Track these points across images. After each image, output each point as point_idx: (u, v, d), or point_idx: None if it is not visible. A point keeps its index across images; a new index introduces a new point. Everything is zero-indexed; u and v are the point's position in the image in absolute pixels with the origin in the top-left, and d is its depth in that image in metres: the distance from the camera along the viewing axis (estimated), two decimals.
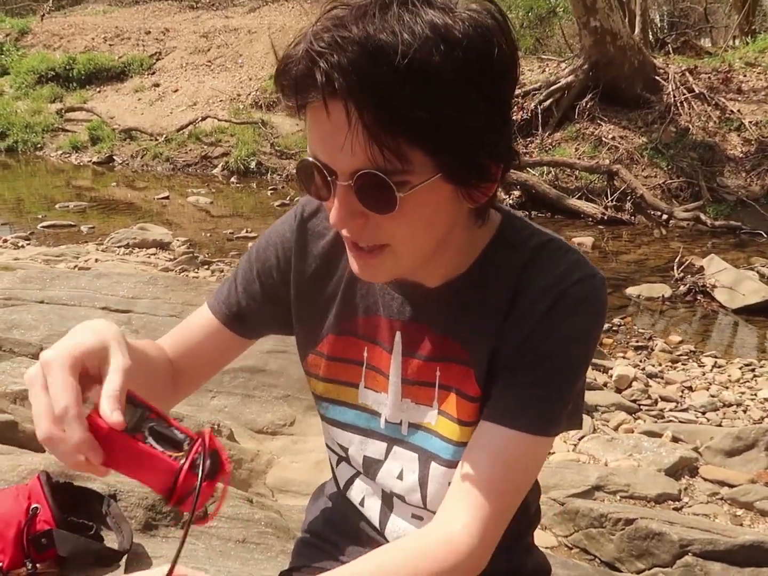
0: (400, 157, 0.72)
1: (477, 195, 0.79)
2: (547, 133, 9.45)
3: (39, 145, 12.76)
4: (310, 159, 0.77)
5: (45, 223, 7.77)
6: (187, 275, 5.46)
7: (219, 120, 11.81)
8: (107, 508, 1.44)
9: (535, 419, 0.86)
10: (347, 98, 0.70)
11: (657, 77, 9.74)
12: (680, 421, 3.50)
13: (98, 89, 14.20)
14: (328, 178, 0.76)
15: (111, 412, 0.66)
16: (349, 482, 1.07)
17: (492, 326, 0.89)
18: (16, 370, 2.33)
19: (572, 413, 0.91)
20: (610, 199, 8.17)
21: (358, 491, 1.06)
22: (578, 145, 9.26)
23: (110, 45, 15.36)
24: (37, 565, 1.27)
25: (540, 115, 9.47)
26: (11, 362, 2.38)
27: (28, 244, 6.78)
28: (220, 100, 12.67)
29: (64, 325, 3.14)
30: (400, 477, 0.98)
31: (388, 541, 1.02)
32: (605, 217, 7.88)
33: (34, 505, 1.30)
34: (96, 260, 5.76)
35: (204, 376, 1.08)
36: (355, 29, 0.70)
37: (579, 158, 8.91)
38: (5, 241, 6.79)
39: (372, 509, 1.04)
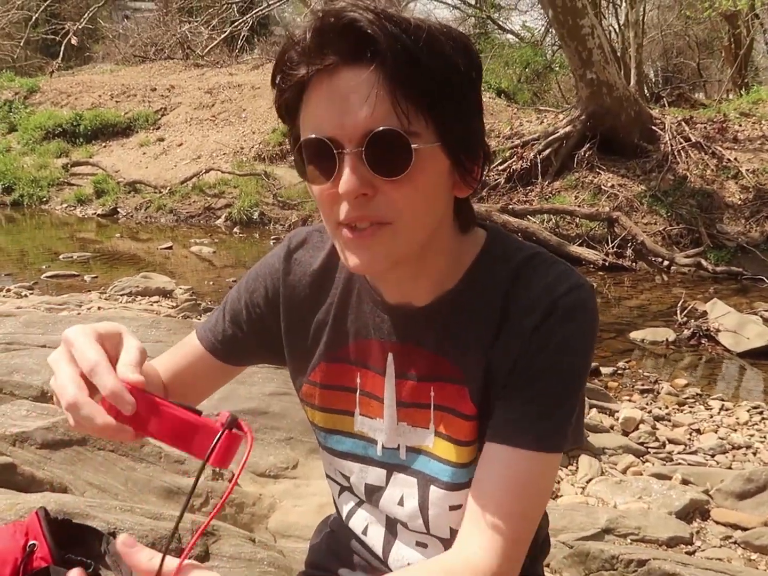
0: (414, 119, 0.75)
1: (466, 180, 0.83)
2: (546, 182, 9.56)
3: (44, 199, 12.91)
4: (315, 136, 0.77)
5: (48, 274, 7.80)
6: (190, 320, 5.45)
7: (222, 172, 11.98)
8: (106, 545, 1.39)
9: (539, 436, 0.84)
10: (365, 59, 0.74)
11: (653, 127, 9.90)
12: (689, 464, 3.44)
13: (104, 144, 14.45)
14: (335, 151, 0.76)
15: (131, 374, 0.69)
16: (352, 512, 1.05)
17: (483, 342, 0.88)
18: (16, 412, 2.31)
19: (573, 429, 0.89)
20: (610, 245, 8.21)
21: (361, 520, 1.04)
22: (578, 193, 9.35)
23: (116, 101, 15.69)
24: None
25: (539, 165, 9.59)
26: (12, 405, 2.36)
27: (32, 294, 6.79)
28: (224, 153, 12.86)
29: None
30: (401, 503, 0.96)
31: (391, 570, 0.99)
32: (606, 264, 7.90)
33: (31, 542, 1.26)
34: (99, 308, 5.75)
35: (192, 402, 1.07)
36: (368, 5, 0.75)
37: (579, 206, 8.99)
38: (8, 290, 6.80)
39: (375, 538, 1.02)
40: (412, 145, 0.75)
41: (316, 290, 0.98)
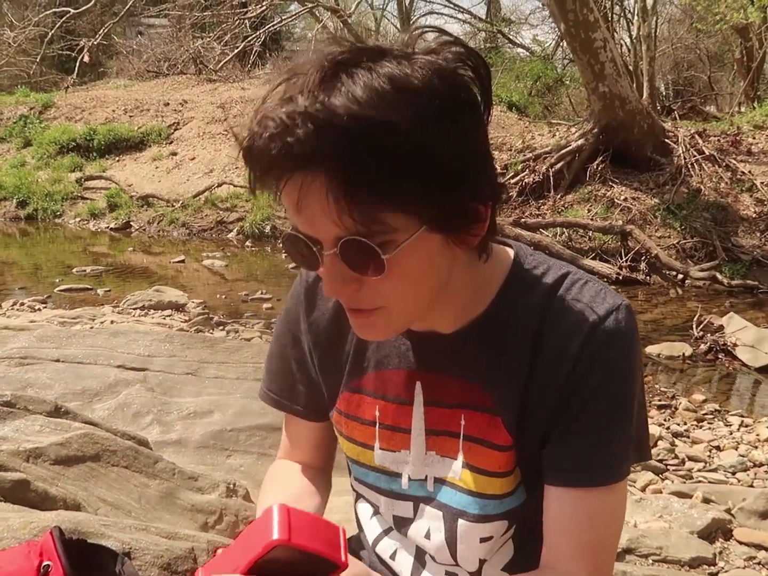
0: (376, 221, 0.69)
1: (469, 239, 0.76)
2: (559, 195, 9.53)
3: (58, 213, 12.98)
4: (293, 232, 0.74)
5: (62, 287, 7.83)
6: (204, 335, 5.44)
7: (234, 186, 12.01)
8: (121, 566, 1.37)
9: (600, 472, 0.82)
10: (308, 172, 0.68)
11: (666, 140, 9.86)
12: (710, 482, 3.38)
13: (117, 158, 14.53)
14: (314, 248, 0.73)
15: None
16: (380, 537, 1.02)
17: (517, 369, 0.85)
18: (30, 428, 2.29)
19: (636, 446, 0.86)
20: (624, 259, 8.15)
21: (389, 545, 1.01)
22: (590, 206, 9.31)
23: (130, 116, 15.80)
24: None
25: (551, 178, 9.56)
26: (25, 420, 2.34)
27: (45, 308, 6.80)
28: (236, 167, 12.89)
29: (78, 384, 3.11)
30: (427, 536, 0.93)
31: None
32: (620, 278, 7.84)
33: (45, 563, 1.24)
34: (112, 322, 5.76)
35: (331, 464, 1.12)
36: (301, 100, 0.67)
37: (592, 219, 8.94)
38: (22, 304, 6.83)
39: (403, 564, 0.99)
40: (384, 256, 0.70)
41: (337, 320, 0.96)
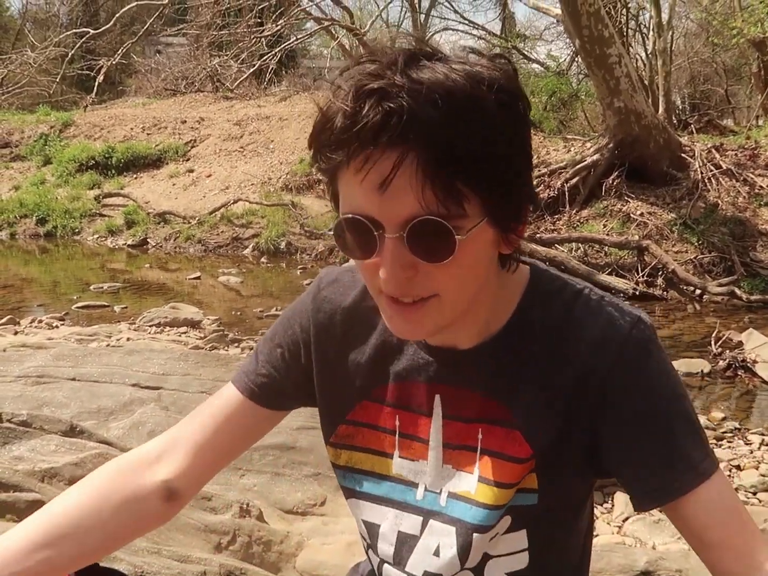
0: (457, 202, 0.70)
1: (513, 238, 0.79)
2: (574, 210, 9.49)
3: (77, 230, 13.12)
4: (354, 215, 0.73)
5: (79, 304, 7.89)
6: (218, 353, 5.46)
7: (250, 203, 12.09)
8: None
9: (685, 474, 0.82)
10: (401, 143, 0.68)
11: (683, 155, 9.80)
12: None
13: (135, 175, 14.69)
14: (375, 233, 0.73)
15: None
16: (380, 567, 1.01)
17: (539, 385, 0.85)
18: (45, 447, 2.30)
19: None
20: (640, 274, 8.10)
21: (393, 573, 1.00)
22: (606, 221, 9.26)
23: (148, 134, 15.98)
24: None
25: (567, 193, 9.53)
26: (41, 440, 2.36)
27: (62, 325, 6.86)
28: (252, 184, 12.99)
29: (94, 402, 3.12)
30: (436, 553, 0.91)
31: None
32: (637, 293, 7.78)
33: None
34: (128, 339, 5.79)
35: (233, 455, 1.04)
36: (394, 75, 0.69)
37: (608, 234, 8.90)
38: (40, 321, 6.88)
39: None
40: (456, 237, 0.72)
41: (348, 328, 0.96)
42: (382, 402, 0.95)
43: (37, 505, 1.98)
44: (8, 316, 6.95)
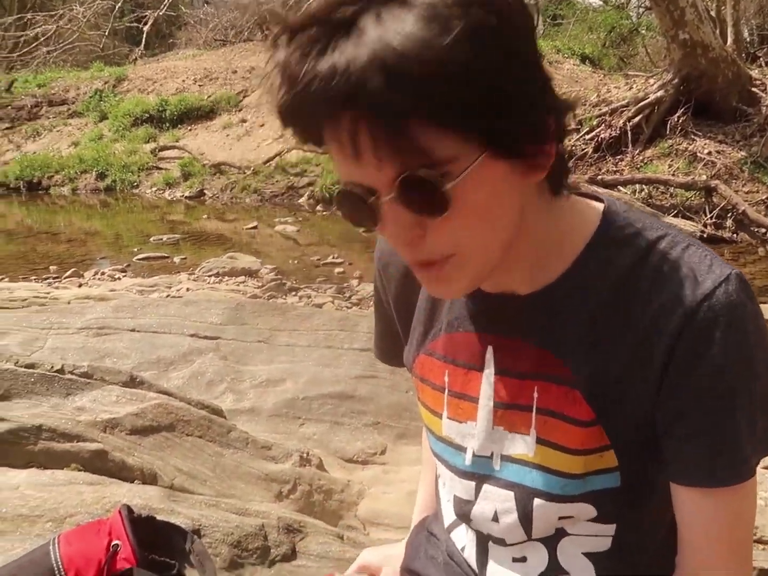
0: (432, 148, 0.62)
1: (538, 163, 0.68)
2: (637, 151, 9.12)
3: (135, 183, 13.32)
4: (345, 187, 0.68)
5: (140, 256, 8.04)
6: (275, 301, 5.48)
7: (304, 150, 12.01)
8: (190, 544, 1.35)
9: (721, 471, 0.73)
10: (356, 109, 0.61)
11: (753, 89, 9.27)
12: None
13: (189, 128, 14.76)
14: (370, 201, 0.67)
15: None
16: (454, 524, 0.96)
17: (602, 342, 0.76)
18: (107, 398, 2.32)
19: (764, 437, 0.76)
20: (708, 216, 7.76)
21: (461, 534, 0.94)
22: (671, 161, 8.88)
23: (200, 86, 15.98)
24: None
25: (629, 132, 9.15)
26: (102, 391, 2.38)
27: (124, 276, 7.00)
28: None
29: (154, 353, 3.16)
30: (495, 519, 0.85)
31: None
32: (705, 236, 7.47)
33: (114, 542, 1.23)
34: (187, 289, 5.86)
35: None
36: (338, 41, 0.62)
37: (673, 175, 8.53)
38: (103, 273, 7.04)
39: (471, 557, 0.92)
40: (445, 187, 0.64)
41: (410, 279, 0.89)
42: (433, 355, 0.89)
43: (100, 454, 2.01)
44: (72, 269, 7.14)
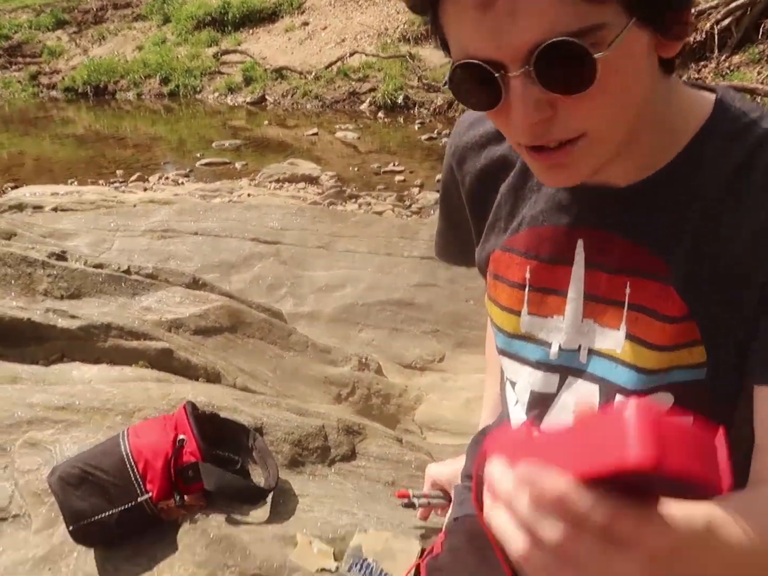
0: (592, 7, 0.56)
1: (673, 42, 0.64)
2: (723, 56, 8.52)
3: (198, 89, 13.26)
4: (467, 60, 0.61)
5: (202, 161, 8.08)
6: (334, 208, 5.46)
7: (366, 55, 11.69)
8: (253, 441, 1.38)
9: None
10: None
11: None
12: None
13: (251, 31, 14.48)
14: (496, 75, 0.60)
15: None
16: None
17: (701, 233, 0.71)
18: (171, 299, 2.36)
19: None
20: None
21: None
22: (761, 68, 8.26)
23: None
24: (185, 497, 1.23)
25: (716, 37, 8.52)
26: (167, 291, 2.42)
27: (188, 181, 7.07)
28: (368, 36, 12.51)
29: (216, 256, 3.19)
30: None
31: None
32: None
33: (180, 437, 1.26)
34: (249, 195, 5.88)
35: None
36: None
37: (762, 83, 7.96)
38: (167, 178, 7.13)
39: None
40: (595, 55, 0.57)
41: (487, 172, 0.88)
42: (513, 251, 0.85)
43: (166, 353, 2.06)
44: (138, 174, 7.24)
